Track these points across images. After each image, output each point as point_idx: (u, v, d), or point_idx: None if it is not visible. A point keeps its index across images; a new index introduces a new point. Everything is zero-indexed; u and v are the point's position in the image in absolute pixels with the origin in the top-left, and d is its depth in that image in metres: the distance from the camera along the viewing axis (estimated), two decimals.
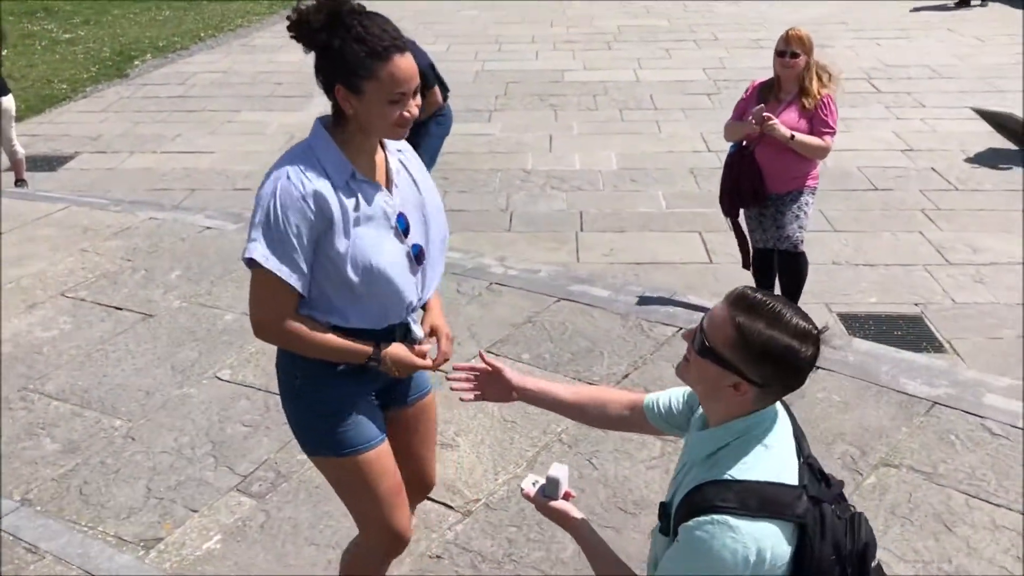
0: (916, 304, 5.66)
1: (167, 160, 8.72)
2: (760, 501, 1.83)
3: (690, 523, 1.83)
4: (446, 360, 2.52)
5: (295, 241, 2.18)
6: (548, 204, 7.51)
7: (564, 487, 2.13)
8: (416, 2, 15.29)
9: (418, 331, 2.46)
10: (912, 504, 3.52)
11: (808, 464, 1.99)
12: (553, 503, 2.14)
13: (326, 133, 2.27)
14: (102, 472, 3.84)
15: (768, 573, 1.84)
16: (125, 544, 3.42)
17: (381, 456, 2.48)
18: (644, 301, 5.29)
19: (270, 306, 2.27)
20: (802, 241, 5.09)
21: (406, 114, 2.22)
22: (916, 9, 14.62)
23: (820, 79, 4.87)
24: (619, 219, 7.17)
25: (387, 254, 2.29)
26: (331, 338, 2.31)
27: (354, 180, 2.26)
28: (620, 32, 13.56)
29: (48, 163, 8.77)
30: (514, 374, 2.31)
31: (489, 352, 4.59)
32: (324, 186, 2.20)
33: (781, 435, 1.97)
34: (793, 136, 4.75)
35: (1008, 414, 4.03)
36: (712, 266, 6.36)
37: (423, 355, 2.44)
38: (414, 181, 2.43)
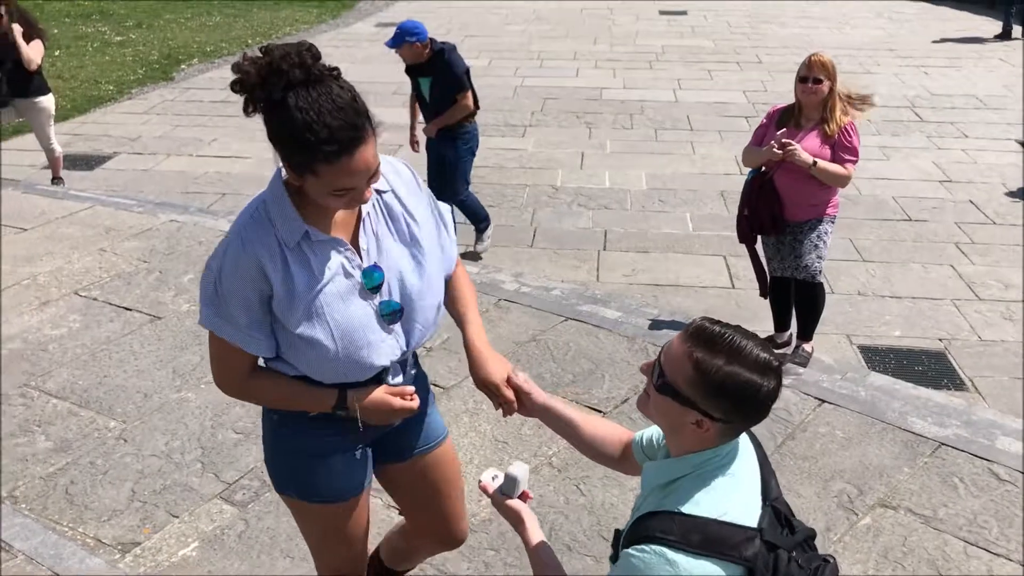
0: (940, 339, 5.49)
1: (202, 164, 8.82)
2: (703, 538, 1.77)
3: (629, 549, 1.79)
4: (520, 406, 2.25)
5: (241, 307, 2.05)
6: (573, 221, 7.45)
7: (522, 487, 2.10)
8: (462, 14, 15.37)
9: (395, 379, 2.25)
10: (906, 548, 3.38)
11: (773, 507, 1.91)
12: (509, 502, 2.11)
13: (282, 188, 2.06)
14: (90, 472, 3.85)
15: None
16: (102, 547, 3.42)
17: (348, 510, 2.36)
18: (656, 324, 5.20)
19: (225, 367, 2.15)
20: (820, 271, 4.96)
21: (354, 204, 2.02)
22: (965, 39, 14.32)
23: (843, 106, 4.76)
24: (643, 239, 7.09)
25: (343, 315, 2.09)
26: (293, 391, 2.17)
27: (307, 241, 2.06)
28: (663, 52, 13.47)
29: (86, 162, 8.91)
30: (541, 394, 2.25)
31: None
32: (269, 250, 2.03)
33: (743, 473, 1.90)
34: (816, 163, 4.64)
35: (1018, 459, 3.87)
36: (735, 291, 6.24)
37: (404, 395, 2.22)
38: (392, 229, 2.17)
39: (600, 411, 4.22)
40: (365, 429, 2.24)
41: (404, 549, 2.78)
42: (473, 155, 6.68)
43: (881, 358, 5.39)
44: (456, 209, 6.83)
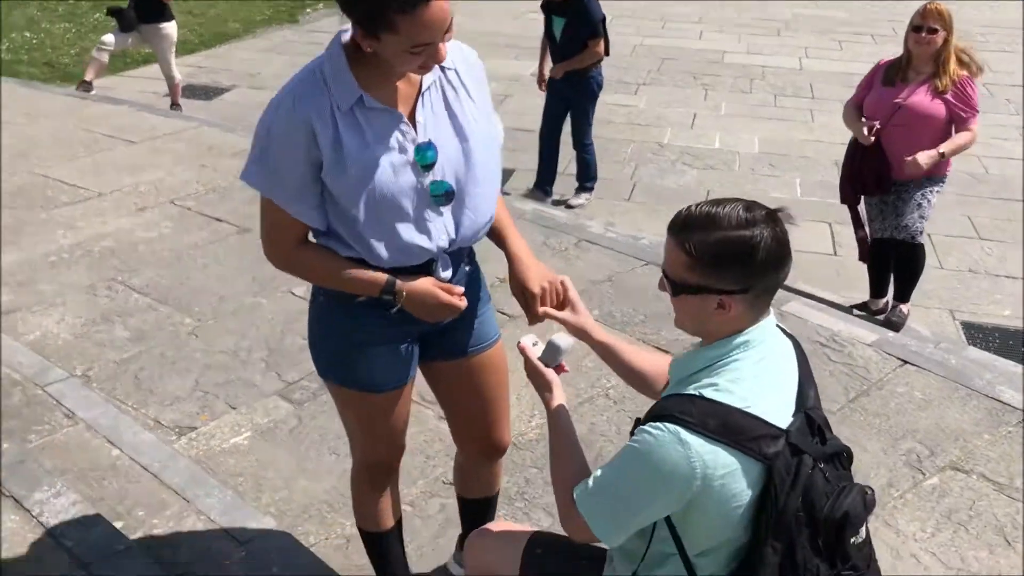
0: None
1: None
2: (721, 425, 1.69)
3: (645, 425, 1.73)
4: (549, 316, 2.16)
5: (289, 170, 1.97)
6: (676, 179, 7.29)
7: (561, 358, 2.04)
8: None
9: (444, 274, 2.16)
10: (973, 512, 3.17)
11: (807, 415, 1.82)
12: (542, 368, 2.04)
13: (341, 52, 1.96)
14: (160, 362, 3.97)
15: (723, 504, 1.70)
16: (160, 427, 3.52)
17: (386, 402, 2.29)
18: None
19: (275, 234, 2.08)
20: (921, 232, 4.71)
21: (430, 62, 1.92)
22: None
23: (960, 60, 4.47)
24: None
25: (393, 189, 2.00)
26: (340, 269, 2.08)
27: (361, 106, 1.96)
28: (793, 20, 13.00)
29: (205, 93, 9.21)
30: (585, 312, 2.17)
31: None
32: (323, 110, 1.94)
33: (777, 374, 1.82)
34: (943, 153, 4.43)
35: None
36: (835, 258, 6.00)
37: (452, 293, 2.12)
38: (451, 110, 2.07)
39: (667, 352, 4.11)
40: (412, 322, 2.17)
41: (459, 468, 2.72)
42: (596, 100, 6.64)
43: (984, 336, 5.09)
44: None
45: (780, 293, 4.71)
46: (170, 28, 8.08)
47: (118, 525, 2.80)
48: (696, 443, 1.67)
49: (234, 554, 2.74)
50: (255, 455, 3.40)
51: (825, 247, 6.16)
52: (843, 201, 4.91)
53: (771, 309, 1.84)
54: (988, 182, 7.32)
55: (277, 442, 3.47)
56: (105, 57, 8.02)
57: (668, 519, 1.79)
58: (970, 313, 5.31)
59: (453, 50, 2.04)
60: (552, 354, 2.03)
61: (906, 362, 4.07)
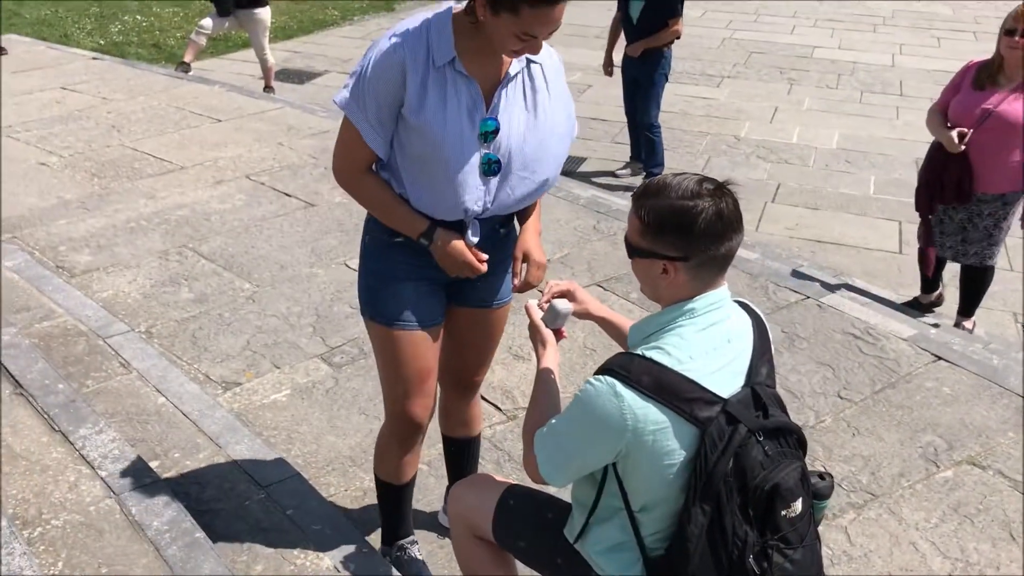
0: None
1: None
2: (654, 382, 1.81)
3: (590, 377, 1.86)
4: (530, 287, 2.44)
5: (374, 100, 2.20)
6: (748, 172, 7.27)
7: (560, 322, 2.22)
8: None
9: (472, 237, 2.38)
10: (982, 507, 3.17)
11: (754, 389, 1.91)
12: (542, 327, 2.20)
13: (449, 17, 2.21)
14: (217, 323, 4.24)
15: (655, 459, 1.80)
16: (209, 381, 3.79)
17: (413, 340, 2.48)
18: (797, 274, 4.99)
19: (345, 152, 2.33)
20: (991, 257, 4.58)
21: (527, 51, 2.17)
22: None
23: None
24: (817, 196, 6.82)
25: (454, 152, 2.23)
26: (394, 204, 2.33)
27: (451, 67, 2.20)
28: (892, 16, 12.68)
29: (298, 76, 9.58)
30: (588, 296, 2.30)
31: (598, 286, 4.58)
32: (418, 58, 2.18)
33: (726, 346, 1.92)
34: None
35: None
36: (900, 256, 5.92)
37: (478, 257, 2.37)
38: (526, 98, 2.30)
39: None
40: (440, 269, 2.40)
41: (442, 408, 2.90)
42: (666, 80, 6.79)
43: None
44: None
45: (816, 286, 4.73)
46: (264, 14, 8.43)
47: (153, 464, 3.06)
48: (629, 396, 1.79)
49: (254, 495, 2.96)
50: (291, 411, 3.63)
51: (891, 245, 6.08)
52: (917, 208, 4.68)
53: (724, 282, 1.93)
54: None
55: (313, 400, 3.70)
56: (203, 40, 8.44)
57: (616, 473, 1.91)
58: None
59: (546, 50, 2.30)
60: (552, 316, 2.20)
61: (940, 358, 4.04)
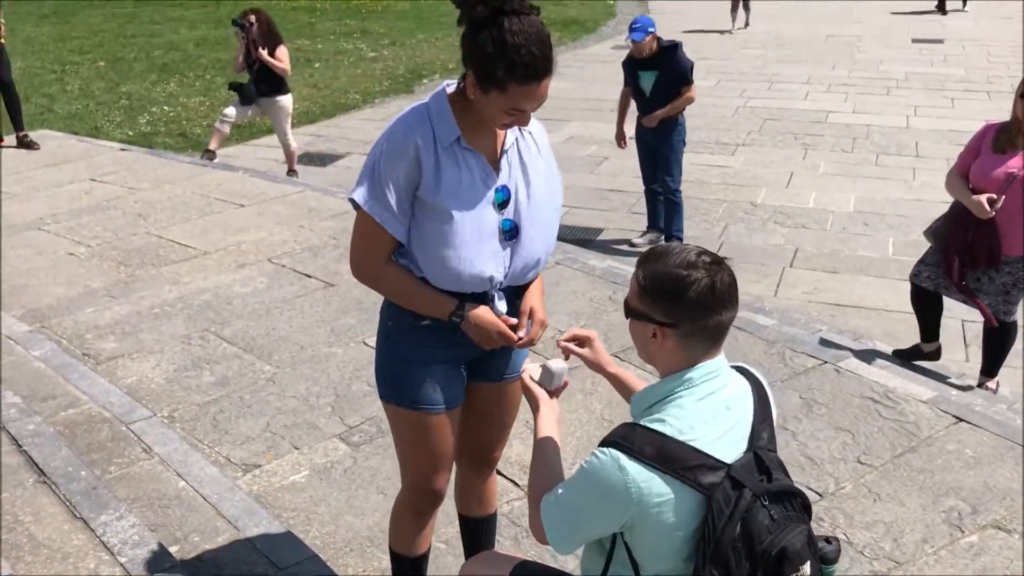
0: None
1: None
2: (657, 452, 1.83)
3: (595, 449, 1.89)
4: (532, 344, 2.51)
5: (392, 187, 2.29)
6: (765, 238, 7.31)
7: (556, 382, 2.27)
8: (697, 38, 15.34)
9: (501, 306, 2.46)
10: (1008, 572, 3.11)
11: (756, 454, 1.93)
12: (533, 388, 2.25)
13: (445, 99, 2.33)
14: (238, 405, 4.30)
15: (662, 530, 1.82)
16: (229, 464, 3.83)
17: (440, 423, 2.54)
18: (819, 340, 4.99)
19: (366, 247, 2.40)
20: (1009, 313, 4.58)
21: (516, 124, 2.29)
22: None
23: None
24: (835, 259, 6.84)
25: (476, 221, 2.33)
26: (419, 288, 2.39)
27: (458, 145, 2.31)
28: (906, 79, 12.80)
29: (321, 159, 9.79)
30: (602, 349, 2.35)
31: (615, 356, 4.59)
32: (426, 140, 2.28)
33: (726, 411, 1.94)
34: None
35: None
36: None
37: (511, 326, 2.44)
38: (524, 163, 2.42)
39: None
40: (466, 346, 2.46)
41: (459, 486, 2.93)
42: (684, 145, 6.98)
43: None
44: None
45: (833, 350, 4.72)
46: (286, 101, 8.68)
47: (173, 549, 3.09)
48: (634, 469, 1.81)
49: None
50: (309, 492, 3.65)
51: (910, 307, 6.05)
52: (950, 277, 4.59)
53: (719, 352, 1.95)
54: None
55: (331, 481, 3.72)
56: (227, 128, 8.68)
57: (624, 542, 1.93)
58: None
59: (532, 120, 2.43)
60: (547, 378, 2.25)
61: (961, 419, 4.01)
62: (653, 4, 21.46)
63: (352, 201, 2.37)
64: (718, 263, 1.89)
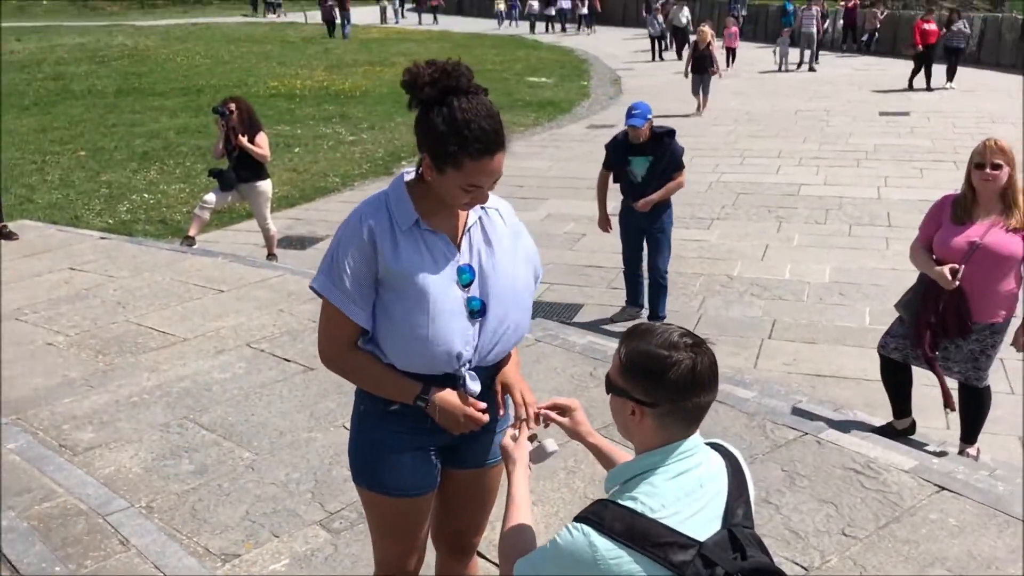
0: None
1: None
2: (627, 529, 1.83)
3: (568, 523, 1.89)
4: (537, 421, 2.41)
5: (351, 273, 2.33)
6: (743, 310, 7.36)
7: (539, 461, 2.32)
8: (671, 119, 15.66)
9: (473, 386, 2.45)
10: None
11: (731, 531, 1.92)
12: (509, 447, 2.30)
13: (403, 185, 2.39)
14: (217, 494, 4.25)
15: None
16: (208, 554, 3.77)
17: (412, 508, 2.54)
18: (797, 411, 5.01)
19: (330, 335, 2.43)
20: (980, 380, 4.62)
21: (475, 202, 2.35)
22: None
23: None
24: (813, 330, 6.88)
25: (440, 300, 2.34)
26: (384, 373, 2.40)
27: (417, 227, 2.36)
28: (875, 150, 13.09)
29: (300, 243, 9.85)
30: (584, 419, 2.38)
31: (599, 431, 4.58)
32: (383, 226, 2.34)
33: (700, 489, 1.94)
34: None
35: None
36: None
37: (476, 407, 2.43)
38: (489, 241, 2.45)
39: None
40: (438, 432, 2.46)
41: (439, 573, 2.91)
42: (672, 225, 7.07)
43: None
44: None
45: (814, 422, 4.74)
46: (266, 186, 8.75)
47: None
48: (604, 546, 1.81)
49: None
50: None
51: None
52: (921, 348, 4.60)
53: (695, 431, 1.96)
54: None
55: (312, 569, 3.67)
56: (206, 215, 8.74)
57: None
58: None
59: (495, 199, 2.50)
60: (539, 454, 2.31)
61: (943, 488, 4.01)
62: (625, 84, 21.98)
63: (313, 289, 2.41)
64: (699, 345, 1.90)
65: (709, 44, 16.66)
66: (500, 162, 2.28)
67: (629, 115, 6.62)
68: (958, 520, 3.77)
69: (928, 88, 19.26)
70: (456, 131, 2.21)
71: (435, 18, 44.88)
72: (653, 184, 6.70)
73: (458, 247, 2.41)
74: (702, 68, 16.68)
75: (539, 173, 12.35)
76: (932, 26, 19.46)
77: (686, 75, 17.23)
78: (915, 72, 19.43)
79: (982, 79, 20.84)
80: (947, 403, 4.75)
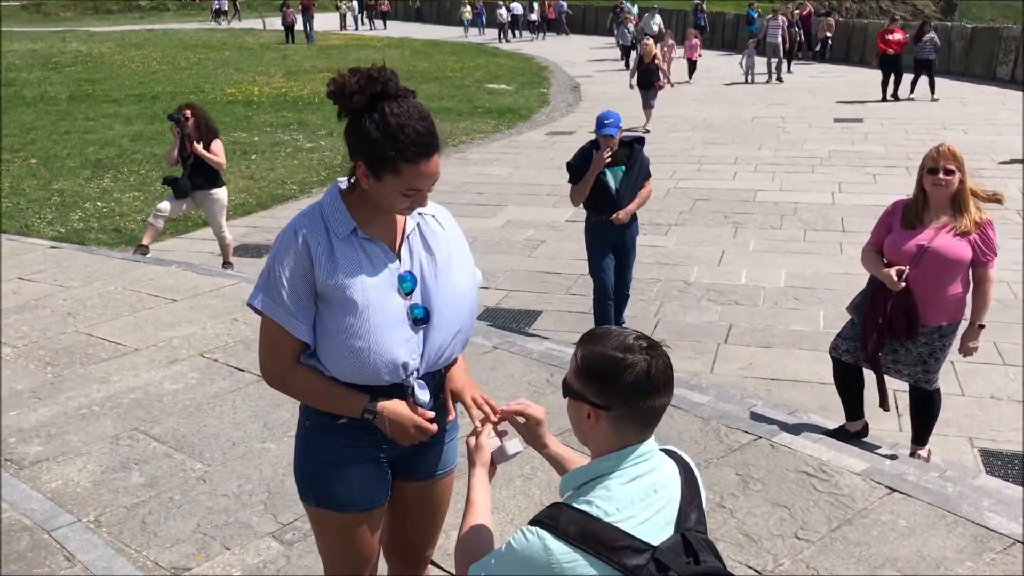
0: None
1: None
2: (581, 532, 1.83)
3: (523, 527, 1.89)
4: (496, 422, 2.38)
5: (288, 286, 2.28)
6: (699, 315, 7.41)
7: (501, 462, 2.32)
8: (628, 122, 15.76)
9: (422, 396, 2.42)
10: None
11: (684, 536, 1.92)
12: (484, 448, 2.29)
13: (337, 195, 2.36)
14: (168, 506, 4.18)
15: None
16: (158, 568, 3.70)
17: (362, 523, 2.50)
18: (754, 416, 5.04)
19: (272, 350, 2.38)
20: (931, 382, 4.69)
21: (415, 206, 2.32)
22: None
23: (976, 195, 4.45)
24: (769, 335, 6.94)
25: (380, 309, 2.31)
26: (328, 387, 2.35)
27: (355, 236, 2.32)
28: (829, 156, 13.26)
29: (257, 250, 9.74)
30: (547, 431, 2.36)
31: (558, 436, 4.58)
32: (319, 236, 2.29)
33: (654, 495, 1.94)
34: (982, 324, 4.52)
35: None
36: None
37: (426, 418, 2.40)
38: (429, 247, 2.43)
39: None
40: (388, 444, 2.42)
41: None
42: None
43: (1004, 463, 5.01)
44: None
45: (767, 425, 4.77)
46: (221, 193, 8.66)
47: None
48: (558, 549, 1.81)
49: None
50: None
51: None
52: (867, 350, 4.67)
53: (650, 435, 1.96)
54: (1015, 307, 7.27)
55: None
56: (160, 223, 8.63)
57: None
58: (990, 440, 5.25)
59: (432, 204, 2.46)
60: (501, 455, 2.31)
61: (894, 490, 4.06)
62: (584, 91, 22.08)
63: (251, 306, 2.36)
64: (654, 348, 1.90)
65: (655, 58, 16.12)
66: (437, 163, 2.27)
67: (602, 125, 6.27)
68: (908, 521, 3.81)
69: (895, 97, 19.07)
70: (391, 136, 2.19)
71: (384, 24, 44.96)
72: (628, 194, 6.45)
73: (398, 254, 2.39)
74: (648, 82, 15.98)
75: (498, 180, 12.35)
76: (897, 36, 18.98)
77: (631, 87, 16.69)
78: (885, 81, 19.09)
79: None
80: (883, 403, 4.83)
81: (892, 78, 19.01)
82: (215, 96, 20.60)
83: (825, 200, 10.90)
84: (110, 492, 4.32)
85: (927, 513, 3.86)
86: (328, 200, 2.36)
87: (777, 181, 11.91)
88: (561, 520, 1.84)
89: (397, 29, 43.97)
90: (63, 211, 11.22)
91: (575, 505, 1.88)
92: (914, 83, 19.26)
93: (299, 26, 35.26)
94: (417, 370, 2.40)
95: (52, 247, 9.04)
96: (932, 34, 19.20)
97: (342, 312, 2.30)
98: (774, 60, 23.12)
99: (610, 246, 6.65)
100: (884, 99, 18.96)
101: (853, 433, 4.96)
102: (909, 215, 4.54)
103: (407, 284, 2.37)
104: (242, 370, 5.64)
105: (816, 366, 6.34)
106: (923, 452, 4.85)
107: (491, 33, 39.85)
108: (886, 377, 4.78)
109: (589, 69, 27.06)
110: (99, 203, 11.60)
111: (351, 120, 2.25)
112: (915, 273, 4.44)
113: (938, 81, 19.20)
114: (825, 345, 6.66)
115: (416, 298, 2.38)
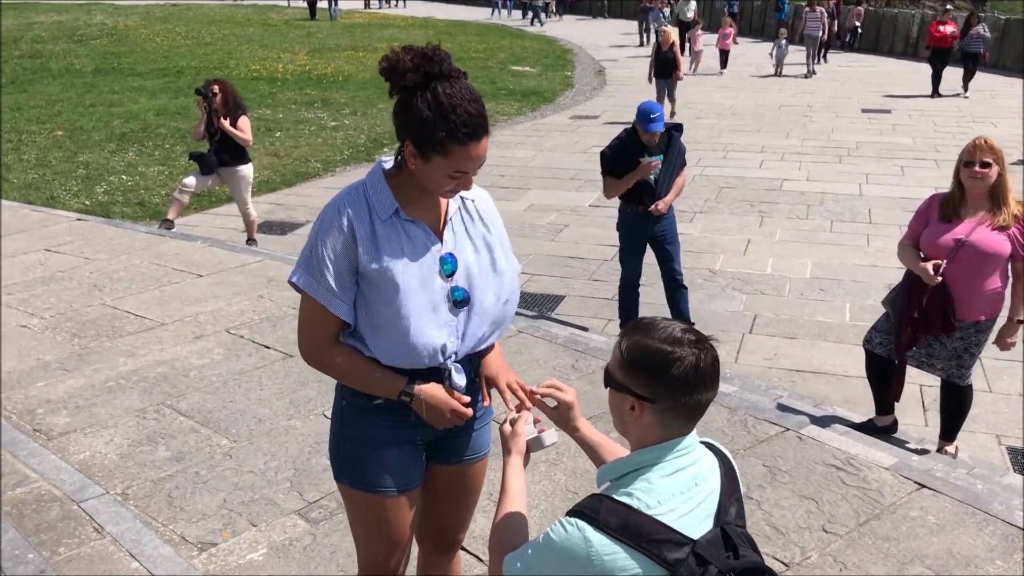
0: None
1: None
2: (622, 524, 1.81)
3: (562, 518, 1.87)
4: (527, 408, 2.36)
5: (331, 266, 2.27)
6: (724, 304, 7.37)
7: (536, 450, 2.29)
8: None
9: (459, 379, 2.41)
10: None
11: (724, 529, 1.91)
12: (521, 437, 2.25)
13: (381, 175, 2.33)
14: (194, 481, 4.20)
15: None
16: (184, 543, 3.72)
17: (395, 506, 2.48)
18: (781, 406, 5.01)
19: (310, 330, 2.36)
20: (964, 378, 4.64)
21: (460, 188, 2.30)
22: None
23: (1015, 194, 4.38)
24: (794, 326, 6.90)
25: (421, 291, 2.30)
26: (367, 367, 2.34)
27: (398, 217, 2.30)
28: (857, 147, 13.14)
29: (281, 228, 9.76)
30: (580, 416, 2.33)
31: None
32: (362, 216, 2.28)
33: (694, 488, 1.92)
34: (1022, 321, 4.44)
35: None
36: None
37: (462, 402, 2.40)
38: (469, 231, 2.42)
39: None
40: (423, 427, 2.41)
41: (421, 567, 2.87)
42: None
43: None
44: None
45: (795, 417, 4.74)
46: (247, 170, 8.66)
47: None
48: (599, 541, 1.79)
49: None
50: (267, 571, 3.55)
51: None
52: (899, 342, 4.63)
53: (692, 429, 1.94)
54: None
55: (290, 558, 3.63)
56: (186, 198, 8.64)
57: None
58: (1017, 438, 5.19)
59: (475, 188, 2.44)
60: (537, 444, 2.27)
61: (923, 486, 4.02)
62: (609, 75, 21.96)
63: (292, 284, 2.34)
64: (702, 341, 1.87)
65: (673, 45, 15.26)
66: (485, 146, 2.24)
67: (648, 119, 6.02)
68: (938, 518, 3.78)
69: (936, 94, 18.16)
70: (443, 116, 2.16)
71: (405, 4, 44.84)
72: (666, 184, 6.26)
73: (440, 236, 2.37)
74: (666, 72, 15.24)
75: (522, 163, 12.31)
76: (950, 28, 18.05)
77: (649, 80, 15.91)
78: (936, 76, 17.99)
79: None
80: (896, 396, 4.82)
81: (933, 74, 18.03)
82: (240, 72, 20.62)
83: (852, 191, 10.80)
84: (137, 465, 4.34)
85: (957, 510, 3.83)
86: (372, 180, 2.34)
87: (804, 170, 11.81)
88: (601, 511, 1.82)
89: (421, 8, 43.85)
90: (88, 183, 11.27)
91: (615, 497, 1.86)
92: (966, 78, 18.34)
93: (323, 3, 35.20)
94: (455, 353, 2.39)
95: (78, 219, 9.08)
96: (981, 27, 18.42)
97: (384, 293, 2.29)
98: (811, 50, 21.88)
99: (646, 238, 6.49)
100: (935, 94, 18.00)
101: (881, 428, 4.92)
102: (946, 208, 4.49)
103: (448, 266, 2.36)
104: (268, 347, 5.65)
105: (841, 359, 6.29)
106: (951, 448, 4.81)
107: (516, 14, 39.60)
108: (912, 372, 4.75)
109: (614, 53, 26.90)
110: (124, 176, 11.64)
111: (402, 98, 2.22)
112: (952, 267, 4.39)
113: None
114: (851, 338, 6.65)
115: (457, 280, 2.37)
